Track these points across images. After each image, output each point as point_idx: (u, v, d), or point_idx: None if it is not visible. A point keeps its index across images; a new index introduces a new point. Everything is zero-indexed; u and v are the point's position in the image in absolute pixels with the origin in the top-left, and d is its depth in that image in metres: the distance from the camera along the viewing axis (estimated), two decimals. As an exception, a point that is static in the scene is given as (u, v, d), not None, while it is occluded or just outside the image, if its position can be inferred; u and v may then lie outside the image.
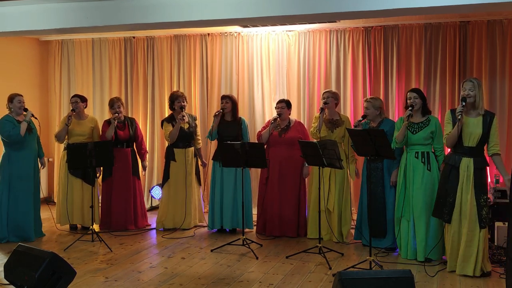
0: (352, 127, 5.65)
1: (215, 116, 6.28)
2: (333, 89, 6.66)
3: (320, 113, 5.89)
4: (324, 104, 5.90)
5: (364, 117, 5.59)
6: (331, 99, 5.98)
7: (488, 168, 4.95)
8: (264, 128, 6.31)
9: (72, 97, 6.56)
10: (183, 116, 6.32)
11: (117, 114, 6.42)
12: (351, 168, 5.95)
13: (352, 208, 6.88)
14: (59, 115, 8.22)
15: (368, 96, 6.23)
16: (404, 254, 5.25)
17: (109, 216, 6.52)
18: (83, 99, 6.56)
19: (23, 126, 5.90)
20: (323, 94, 6.05)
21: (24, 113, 6.04)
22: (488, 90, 6.51)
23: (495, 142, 4.71)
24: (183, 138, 6.45)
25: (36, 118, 6.15)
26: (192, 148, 6.55)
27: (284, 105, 6.20)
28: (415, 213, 5.12)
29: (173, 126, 6.38)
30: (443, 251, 5.09)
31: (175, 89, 7.78)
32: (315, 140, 5.63)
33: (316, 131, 5.88)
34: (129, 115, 7.82)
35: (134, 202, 6.59)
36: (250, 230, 6.33)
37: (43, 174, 8.17)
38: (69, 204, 6.35)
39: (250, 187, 6.45)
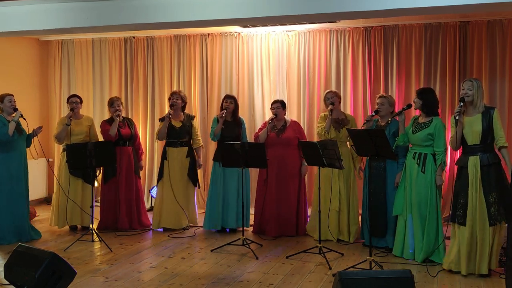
0: (363, 122, 5.62)
1: (220, 117, 6.23)
2: (333, 89, 6.66)
3: (330, 114, 5.86)
4: (332, 104, 5.89)
5: (376, 112, 5.55)
6: (336, 98, 5.98)
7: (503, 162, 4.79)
8: (260, 129, 6.30)
9: (72, 96, 6.54)
10: (170, 114, 6.36)
11: (118, 112, 6.43)
12: (357, 167, 5.96)
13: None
14: (59, 115, 8.20)
15: (382, 93, 6.21)
16: (398, 252, 5.26)
17: (115, 216, 6.48)
18: (81, 100, 6.59)
19: (11, 126, 5.83)
20: (326, 94, 6.02)
21: (14, 113, 5.98)
22: (488, 90, 6.51)
23: (500, 136, 4.67)
24: (174, 136, 6.45)
25: (24, 118, 6.02)
26: (186, 148, 6.48)
27: (279, 105, 6.20)
28: (412, 214, 5.12)
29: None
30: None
31: (175, 89, 7.79)
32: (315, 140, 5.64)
33: (325, 132, 5.86)
34: (129, 115, 7.83)
35: (136, 201, 6.60)
36: (246, 228, 6.33)
37: (43, 174, 8.20)
38: (69, 205, 6.32)
39: (249, 187, 6.45)
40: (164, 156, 6.52)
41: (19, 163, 6.01)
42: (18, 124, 5.96)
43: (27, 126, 6.10)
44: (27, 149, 6.18)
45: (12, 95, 6.03)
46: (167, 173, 6.44)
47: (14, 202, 5.95)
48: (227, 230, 6.43)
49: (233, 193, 6.29)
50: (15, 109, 5.97)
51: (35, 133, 6.16)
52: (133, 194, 6.56)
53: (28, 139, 6.16)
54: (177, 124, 6.46)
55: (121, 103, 6.59)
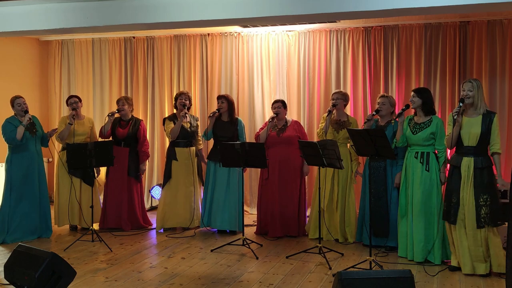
0: (363, 122, 5.61)
1: (210, 117, 6.26)
2: (334, 89, 6.66)
3: (328, 115, 5.86)
4: (333, 106, 5.89)
5: (377, 112, 5.54)
6: (341, 100, 5.94)
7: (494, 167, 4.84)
8: (261, 129, 6.30)
9: (71, 97, 6.52)
10: (186, 113, 6.32)
11: (114, 111, 6.44)
12: (354, 169, 5.94)
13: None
14: (59, 115, 8.21)
15: (383, 93, 6.21)
16: (403, 253, 5.26)
17: (105, 215, 6.53)
18: (80, 99, 6.57)
19: (20, 130, 5.84)
20: (332, 95, 6.02)
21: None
22: (488, 90, 6.51)
23: (495, 141, 4.70)
24: (184, 137, 6.44)
25: (32, 122, 6.03)
26: (194, 147, 6.53)
27: (281, 104, 6.20)
28: (414, 213, 5.12)
29: (174, 124, 6.39)
30: (444, 254, 5.09)
31: (175, 89, 7.82)
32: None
33: (323, 133, 5.86)
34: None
35: (130, 203, 6.53)
36: (247, 229, 6.34)
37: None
38: (69, 204, 6.32)
39: (243, 187, 6.46)
40: (173, 157, 6.44)
41: (32, 164, 6.02)
42: (32, 125, 5.98)
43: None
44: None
45: (22, 97, 6.03)
46: (176, 173, 6.42)
47: (26, 202, 5.98)
48: (227, 230, 6.43)
49: (221, 194, 6.28)
50: (26, 112, 5.97)
51: (49, 135, 6.24)
52: (125, 196, 6.51)
53: (44, 140, 6.21)
54: (186, 124, 6.45)
55: (127, 102, 6.54)
